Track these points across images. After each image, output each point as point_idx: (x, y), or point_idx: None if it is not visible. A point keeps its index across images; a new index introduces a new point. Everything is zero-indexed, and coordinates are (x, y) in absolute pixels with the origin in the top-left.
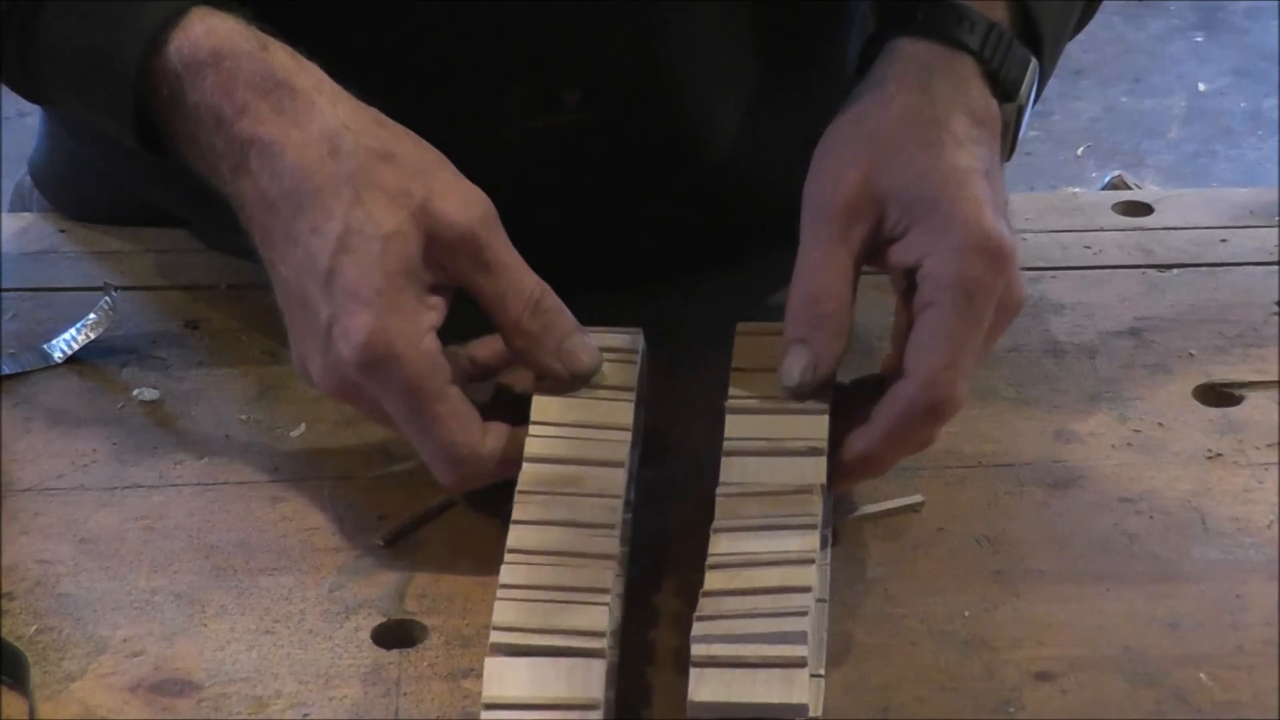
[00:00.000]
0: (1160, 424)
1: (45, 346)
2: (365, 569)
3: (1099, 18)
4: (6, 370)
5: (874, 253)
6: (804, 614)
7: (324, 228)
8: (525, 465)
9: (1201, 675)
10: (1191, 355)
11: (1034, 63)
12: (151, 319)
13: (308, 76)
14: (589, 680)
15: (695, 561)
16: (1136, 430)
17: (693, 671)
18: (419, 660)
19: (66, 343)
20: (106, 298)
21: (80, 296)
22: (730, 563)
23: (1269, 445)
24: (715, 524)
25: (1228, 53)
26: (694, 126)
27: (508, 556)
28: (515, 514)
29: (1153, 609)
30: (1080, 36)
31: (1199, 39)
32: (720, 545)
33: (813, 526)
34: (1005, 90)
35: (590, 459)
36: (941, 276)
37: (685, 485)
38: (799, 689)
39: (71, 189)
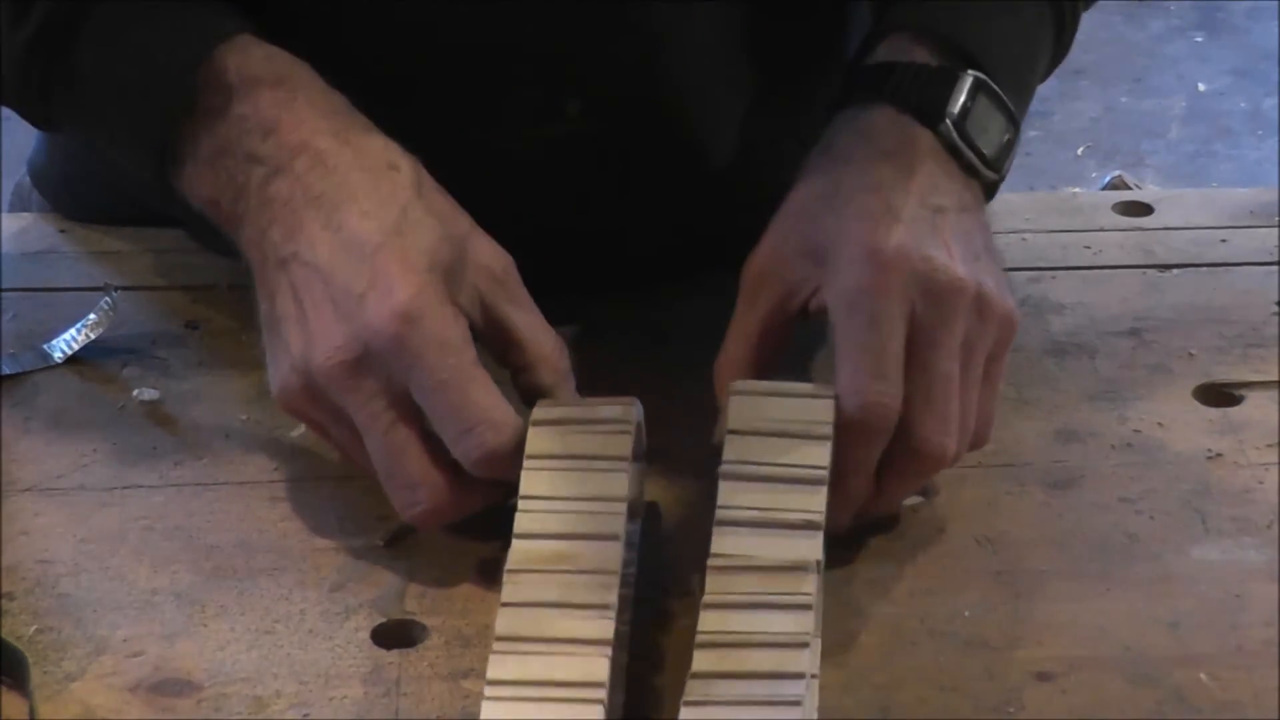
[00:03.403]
0: (1160, 424)
1: (45, 346)
2: (365, 569)
3: (1099, 17)
4: (6, 370)
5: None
6: (797, 703)
7: (378, 214)
8: (515, 542)
9: (1201, 675)
10: (1191, 355)
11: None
12: (151, 319)
13: (366, 119)
14: None
15: (694, 564)
16: (1136, 430)
17: None
18: (419, 660)
19: (66, 343)
20: (106, 298)
21: (80, 296)
22: (720, 641)
23: (1269, 445)
24: (705, 598)
25: (1228, 53)
26: (695, 135)
27: (496, 645)
28: (505, 595)
29: (1153, 609)
30: (1079, 36)
31: (1199, 39)
32: (710, 622)
33: (807, 607)
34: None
35: (583, 533)
36: (832, 305)
37: (685, 487)
38: None
39: (71, 189)
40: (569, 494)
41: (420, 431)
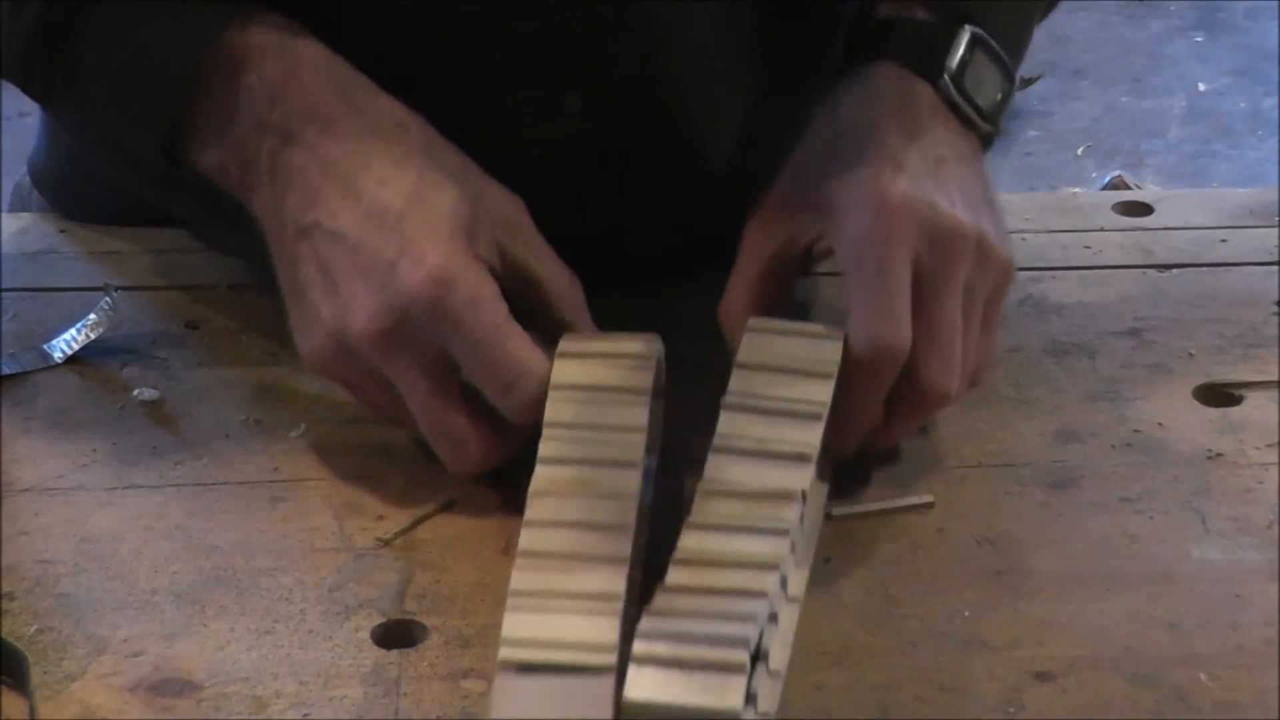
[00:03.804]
0: (1160, 424)
1: (45, 346)
2: (365, 569)
3: (1099, 17)
4: (6, 370)
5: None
6: (753, 619)
7: (396, 180)
8: (539, 467)
9: (1201, 675)
10: (1191, 355)
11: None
12: (151, 319)
13: (369, 81)
14: (597, 701)
15: None
16: (1136, 430)
17: (631, 668)
18: (419, 660)
19: (66, 343)
20: (106, 298)
21: (80, 296)
22: (695, 559)
23: (1269, 445)
24: (689, 520)
25: (1228, 53)
26: (695, 135)
27: (519, 561)
28: (528, 515)
29: (1153, 609)
30: (1079, 36)
31: (1199, 39)
32: (689, 541)
33: (784, 532)
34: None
35: (604, 459)
36: (841, 253)
37: (687, 485)
38: (733, 694)
39: (71, 189)
40: (591, 423)
41: (459, 388)
